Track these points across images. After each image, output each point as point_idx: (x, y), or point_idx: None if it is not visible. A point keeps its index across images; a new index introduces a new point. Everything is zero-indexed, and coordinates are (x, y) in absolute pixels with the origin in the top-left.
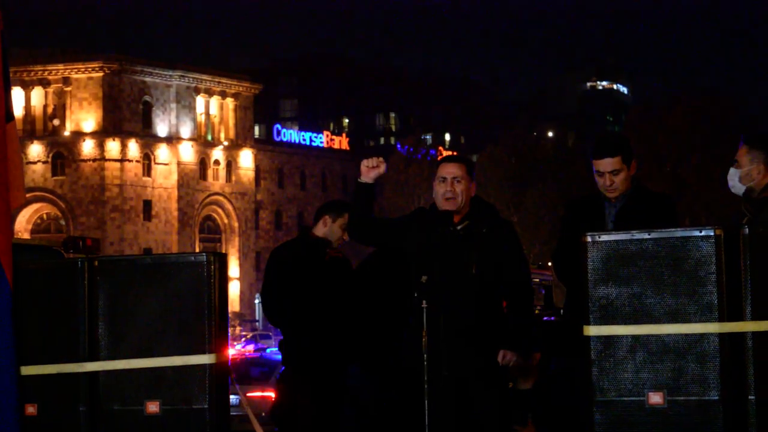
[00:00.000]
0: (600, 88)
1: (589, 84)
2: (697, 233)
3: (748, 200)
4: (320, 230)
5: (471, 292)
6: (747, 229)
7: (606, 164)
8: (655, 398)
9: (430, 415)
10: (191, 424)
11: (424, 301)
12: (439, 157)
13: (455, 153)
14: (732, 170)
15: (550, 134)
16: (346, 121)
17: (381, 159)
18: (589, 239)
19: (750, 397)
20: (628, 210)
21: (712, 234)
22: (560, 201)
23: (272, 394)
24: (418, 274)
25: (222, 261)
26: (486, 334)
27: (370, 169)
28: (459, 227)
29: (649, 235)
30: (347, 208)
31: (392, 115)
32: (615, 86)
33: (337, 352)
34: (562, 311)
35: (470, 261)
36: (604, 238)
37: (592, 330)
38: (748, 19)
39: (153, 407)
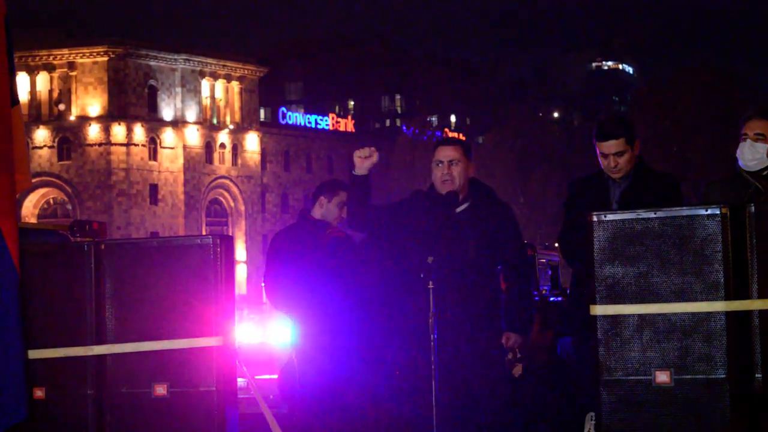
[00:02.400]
0: (605, 68)
1: (594, 64)
2: (703, 212)
3: (755, 176)
4: (317, 212)
5: (470, 274)
6: (753, 207)
7: (610, 146)
8: (662, 377)
9: (436, 397)
10: (199, 406)
11: (430, 282)
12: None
13: (460, 135)
14: (758, 144)
15: (556, 115)
16: (352, 103)
17: (373, 148)
18: (595, 219)
19: (757, 375)
20: (632, 190)
21: (718, 212)
22: (566, 181)
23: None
24: (422, 256)
25: (228, 243)
26: (486, 315)
27: (364, 160)
28: (458, 210)
29: (654, 214)
30: (340, 186)
31: (397, 97)
32: (620, 66)
33: (344, 336)
34: (568, 291)
35: (468, 243)
36: (610, 217)
37: (599, 309)
38: None
39: (160, 390)
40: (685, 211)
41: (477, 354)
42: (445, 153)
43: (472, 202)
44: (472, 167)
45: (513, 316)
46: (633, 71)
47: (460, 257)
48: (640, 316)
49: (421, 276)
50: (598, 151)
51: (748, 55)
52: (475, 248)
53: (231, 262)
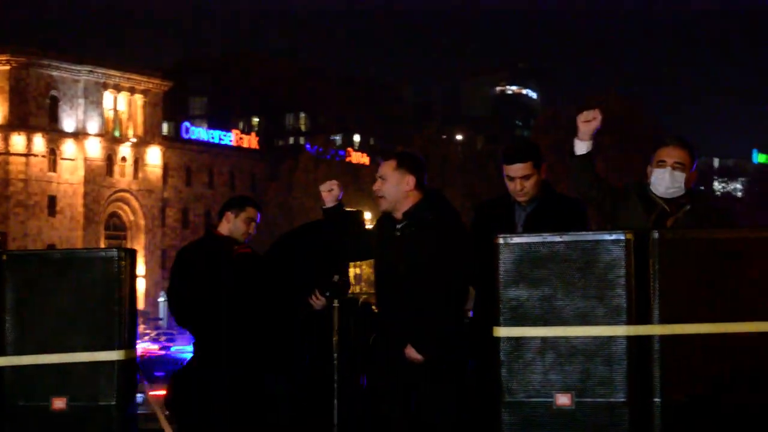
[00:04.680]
0: (509, 92)
1: (498, 88)
2: (607, 237)
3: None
4: (224, 227)
5: (400, 292)
6: (656, 234)
7: (517, 169)
8: (563, 400)
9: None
10: (98, 420)
11: (336, 301)
12: (347, 158)
13: (364, 154)
14: (676, 173)
15: (460, 137)
16: (256, 120)
17: (334, 182)
18: (501, 241)
19: (655, 399)
20: (538, 213)
21: (622, 238)
22: (468, 204)
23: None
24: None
25: (132, 257)
26: (420, 336)
27: (328, 194)
28: (398, 226)
29: (560, 237)
30: (248, 202)
31: (302, 114)
32: (524, 91)
33: (254, 352)
34: (471, 314)
35: (398, 261)
36: (516, 240)
37: (502, 331)
38: (654, 22)
39: (59, 403)
40: (590, 236)
41: (400, 374)
42: (378, 169)
43: (411, 220)
44: (411, 180)
45: (417, 333)
46: (537, 96)
47: (394, 277)
48: (543, 338)
49: (327, 294)
50: (504, 174)
51: (649, 83)
52: (407, 267)
53: (134, 276)
